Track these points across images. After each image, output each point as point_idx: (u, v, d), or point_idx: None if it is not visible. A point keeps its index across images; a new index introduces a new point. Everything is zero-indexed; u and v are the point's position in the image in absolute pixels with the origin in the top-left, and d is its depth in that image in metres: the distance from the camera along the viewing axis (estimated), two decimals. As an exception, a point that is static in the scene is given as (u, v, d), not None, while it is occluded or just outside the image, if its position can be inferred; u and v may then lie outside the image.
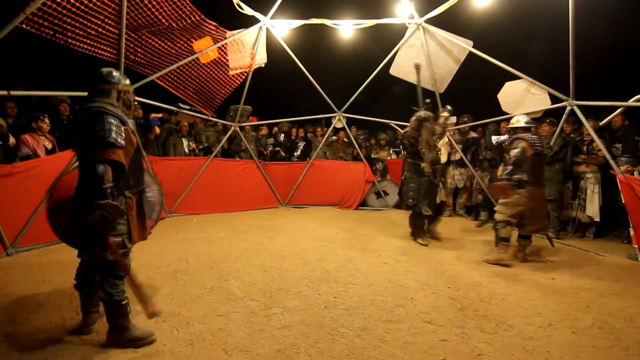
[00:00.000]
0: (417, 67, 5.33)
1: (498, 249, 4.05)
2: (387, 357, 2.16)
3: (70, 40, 4.21)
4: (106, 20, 4.40)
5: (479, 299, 3.01)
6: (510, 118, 4.63)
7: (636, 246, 4.09)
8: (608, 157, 4.51)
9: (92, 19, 4.27)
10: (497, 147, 4.41)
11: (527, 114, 5.39)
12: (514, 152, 4.02)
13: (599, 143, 4.72)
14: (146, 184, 2.54)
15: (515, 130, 4.15)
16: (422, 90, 5.28)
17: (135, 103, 2.29)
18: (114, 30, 4.53)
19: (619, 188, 4.26)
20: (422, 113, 4.80)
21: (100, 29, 4.40)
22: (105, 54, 4.66)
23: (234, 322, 2.55)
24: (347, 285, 3.25)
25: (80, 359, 2.10)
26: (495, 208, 4.18)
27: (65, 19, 4.05)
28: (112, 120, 2.09)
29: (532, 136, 4.00)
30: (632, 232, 4.16)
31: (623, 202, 4.25)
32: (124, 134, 2.12)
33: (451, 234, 5.37)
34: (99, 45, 4.51)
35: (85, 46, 4.40)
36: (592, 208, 5.15)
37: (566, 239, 5.20)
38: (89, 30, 4.30)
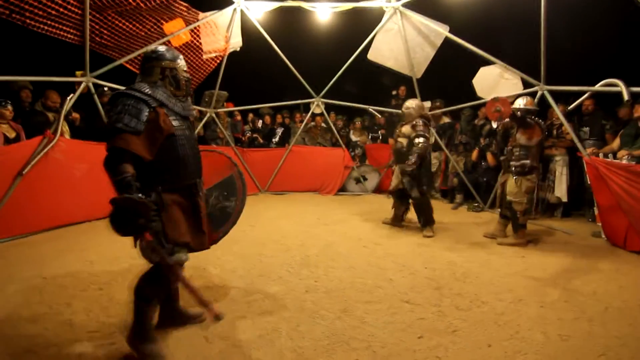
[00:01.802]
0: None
1: (517, 235, 4.06)
2: (366, 337, 2.22)
3: (28, 21, 3.94)
4: (68, -1, 4.14)
5: (454, 278, 3.12)
6: (484, 104, 4.70)
7: (600, 224, 4.32)
8: (576, 140, 4.70)
9: (53, -2, 4.01)
10: (517, 119, 4.07)
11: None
12: (523, 137, 3.93)
13: (567, 127, 4.90)
14: (229, 189, 2.25)
15: (528, 111, 3.99)
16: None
17: (183, 82, 2.08)
18: (76, 10, 4.27)
19: (585, 169, 4.46)
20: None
21: (61, 9, 4.14)
22: (69, 35, 4.41)
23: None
24: (327, 269, 3.28)
25: (54, 354, 2.04)
26: (510, 198, 4.07)
27: (23, -3, 3.78)
28: (128, 102, 1.81)
29: (540, 121, 3.96)
30: (596, 211, 4.39)
31: (589, 182, 4.46)
32: (145, 118, 1.81)
33: (428, 217, 5.49)
34: (61, 26, 4.25)
35: (46, 27, 4.13)
36: (560, 189, 5.38)
37: (536, 218, 5.43)
38: (49, 10, 4.04)
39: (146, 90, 1.88)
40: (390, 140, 4.50)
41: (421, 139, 4.34)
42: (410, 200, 4.68)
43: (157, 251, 1.85)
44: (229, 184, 2.41)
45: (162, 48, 2.05)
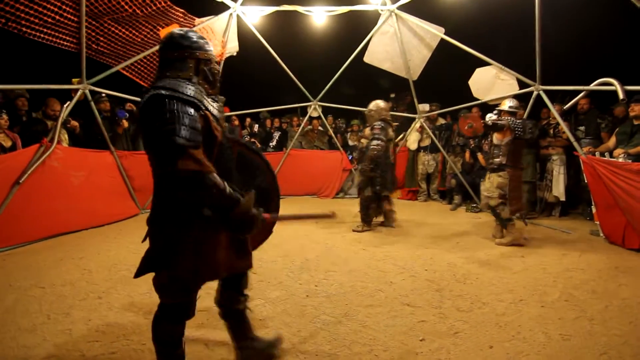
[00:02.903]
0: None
1: (507, 231, 4.12)
2: (368, 341, 2.21)
3: (24, 29, 3.93)
4: (64, 7, 4.14)
5: (454, 280, 3.12)
6: (480, 104, 4.77)
7: (598, 222, 4.34)
8: (572, 139, 4.73)
9: (49, 6, 4.00)
10: (489, 127, 4.25)
11: (496, 99, 5.58)
12: (496, 137, 4.17)
13: (563, 126, 4.93)
14: (248, 168, 1.93)
15: (500, 113, 4.25)
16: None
17: (217, 77, 1.68)
18: (73, 17, 4.27)
19: (582, 168, 4.48)
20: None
21: (57, 17, 4.13)
22: (65, 43, 4.40)
23: (215, 317, 2.50)
24: (327, 273, 3.28)
25: (53, 363, 2.02)
26: (484, 194, 4.26)
27: (19, 5, 3.77)
28: (179, 107, 1.41)
29: (517, 120, 4.10)
30: (594, 210, 4.41)
31: (586, 181, 4.48)
32: (199, 125, 1.46)
33: (426, 218, 5.50)
34: (57, 34, 4.25)
35: (43, 35, 4.13)
36: (558, 188, 5.40)
37: (534, 218, 5.44)
38: (45, 18, 4.04)
39: (189, 92, 1.50)
40: (362, 141, 4.72)
41: (374, 142, 4.52)
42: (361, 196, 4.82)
43: (187, 289, 1.63)
44: (243, 163, 1.94)
45: (192, 33, 1.62)
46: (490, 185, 4.17)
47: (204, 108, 1.52)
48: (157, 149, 1.46)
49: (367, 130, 4.72)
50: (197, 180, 1.39)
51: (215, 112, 1.59)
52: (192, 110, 1.45)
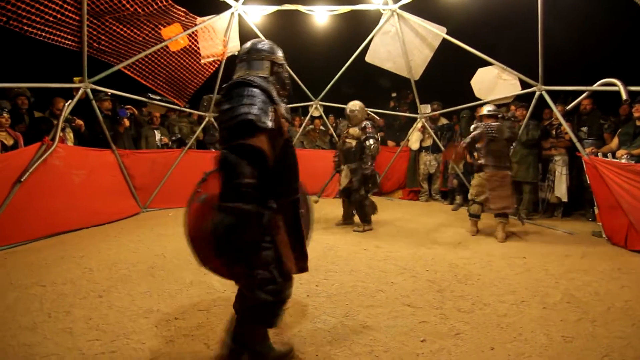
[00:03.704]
0: None
1: (470, 225, 4.64)
2: (369, 342, 2.20)
3: (26, 28, 3.93)
4: (65, 5, 4.14)
5: (455, 280, 3.11)
6: (483, 104, 4.79)
7: (600, 224, 4.31)
8: (575, 140, 4.70)
9: (50, 4, 4.00)
10: (471, 144, 4.58)
11: (498, 99, 5.57)
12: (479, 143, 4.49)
13: (566, 127, 4.91)
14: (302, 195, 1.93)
15: (481, 118, 4.50)
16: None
17: (288, 81, 1.89)
18: (74, 16, 4.27)
19: (585, 169, 4.46)
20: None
21: (59, 15, 4.13)
22: (67, 42, 4.40)
23: (216, 317, 2.52)
24: (328, 273, 3.27)
25: (53, 362, 2.02)
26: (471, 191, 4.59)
27: (20, 4, 3.77)
28: (257, 91, 1.55)
29: (492, 124, 4.33)
30: (596, 211, 4.38)
31: (588, 182, 4.46)
32: (271, 115, 1.57)
33: (428, 219, 5.49)
34: (58, 32, 4.25)
35: (44, 34, 4.12)
36: (560, 189, 5.38)
37: (536, 219, 5.42)
38: (47, 17, 4.03)
39: (265, 85, 1.64)
40: (348, 141, 4.69)
41: (372, 141, 4.58)
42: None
43: (275, 288, 1.57)
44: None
45: (267, 41, 1.87)
46: (472, 183, 4.63)
47: (276, 102, 1.66)
48: (229, 125, 1.51)
49: (354, 130, 4.67)
50: (256, 157, 1.47)
51: (283, 110, 1.72)
52: (265, 98, 1.58)
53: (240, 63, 1.81)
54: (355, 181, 4.64)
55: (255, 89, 1.56)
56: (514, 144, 5.18)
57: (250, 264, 1.58)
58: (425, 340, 2.22)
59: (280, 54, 1.85)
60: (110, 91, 5.16)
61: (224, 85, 1.65)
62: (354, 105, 4.82)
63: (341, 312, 2.56)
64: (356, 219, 4.91)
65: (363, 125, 4.65)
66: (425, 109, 6.88)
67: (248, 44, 1.84)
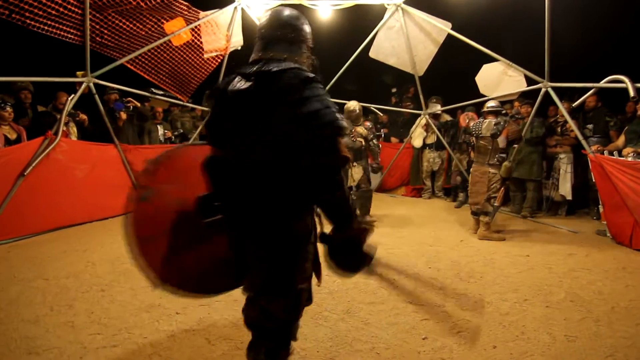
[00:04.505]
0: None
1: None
2: (370, 339, 2.19)
3: (28, 22, 3.92)
4: (68, -1, 4.12)
5: (458, 278, 3.09)
6: (488, 100, 4.73)
7: (605, 222, 4.28)
8: (580, 137, 4.65)
9: (52, -2, 3.99)
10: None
11: (503, 95, 5.51)
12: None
13: (572, 124, 4.85)
14: None
15: (484, 114, 4.49)
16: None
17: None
18: (77, 10, 4.26)
19: (590, 167, 4.41)
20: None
21: (61, 9, 4.12)
22: (69, 35, 4.39)
23: (217, 312, 2.52)
24: (329, 270, 3.25)
25: (56, 355, 2.03)
26: None
27: (23, -3, 3.77)
28: (322, 91, 1.26)
29: (477, 120, 4.43)
30: (601, 209, 4.34)
31: (593, 180, 4.41)
32: None
33: (431, 216, 5.47)
34: (61, 26, 4.24)
35: (46, 27, 4.12)
36: (565, 187, 5.33)
37: (540, 217, 5.39)
38: (49, 10, 4.02)
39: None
40: (359, 140, 4.80)
41: (376, 140, 5.03)
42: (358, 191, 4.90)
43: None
44: None
45: (302, 17, 1.46)
46: None
47: None
48: (325, 133, 1.21)
49: (362, 129, 4.83)
50: (342, 169, 1.27)
51: None
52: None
53: (273, 40, 1.37)
54: (369, 176, 4.91)
55: (321, 88, 1.26)
56: (515, 144, 5.03)
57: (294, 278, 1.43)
58: (426, 337, 2.21)
59: (310, 35, 1.47)
60: (112, 85, 5.15)
61: (291, 78, 1.23)
62: (354, 105, 4.87)
63: (342, 309, 2.55)
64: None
65: (369, 126, 4.97)
66: (434, 107, 6.79)
67: (280, 15, 1.40)
